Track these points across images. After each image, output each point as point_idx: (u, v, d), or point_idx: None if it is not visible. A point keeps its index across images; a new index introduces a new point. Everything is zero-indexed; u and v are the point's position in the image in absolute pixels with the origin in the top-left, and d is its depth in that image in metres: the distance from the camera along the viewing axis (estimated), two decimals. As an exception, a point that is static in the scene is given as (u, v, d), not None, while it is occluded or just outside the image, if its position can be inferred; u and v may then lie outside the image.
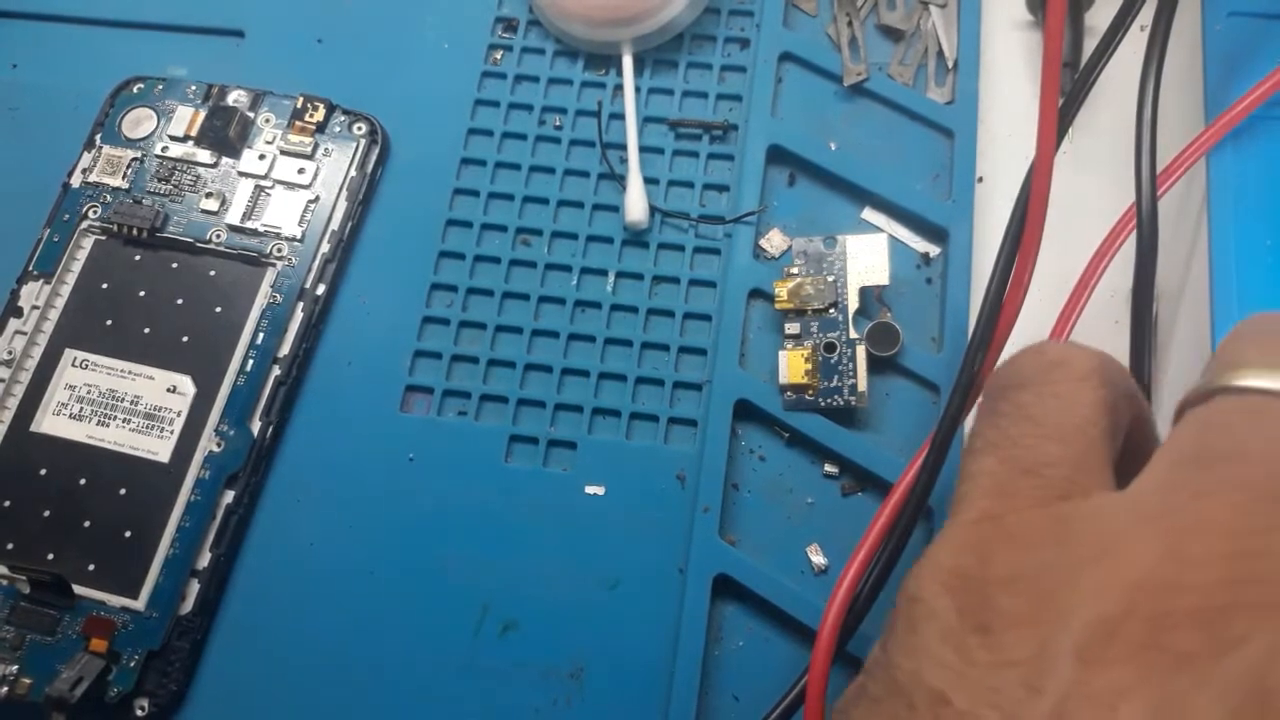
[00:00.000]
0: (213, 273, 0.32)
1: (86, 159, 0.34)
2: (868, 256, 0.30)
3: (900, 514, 0.24)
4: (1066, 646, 0.14)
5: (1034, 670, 0.14)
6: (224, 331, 0.31)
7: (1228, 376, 0.17)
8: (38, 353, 0.31)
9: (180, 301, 0.32)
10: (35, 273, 0.32)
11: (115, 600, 0.28)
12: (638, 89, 0.33)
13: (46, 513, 0.29)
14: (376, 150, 0.33)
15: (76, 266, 0.32)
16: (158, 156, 0.33)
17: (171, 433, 0.30)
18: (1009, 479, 0.17)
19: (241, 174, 0.33)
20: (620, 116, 0.33)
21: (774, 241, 0.32)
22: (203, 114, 0.33)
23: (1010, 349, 0.25)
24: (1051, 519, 0.16)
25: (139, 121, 0.34)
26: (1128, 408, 0.19)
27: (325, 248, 0.32)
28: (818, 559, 0.28)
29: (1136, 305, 0.27)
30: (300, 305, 0.31)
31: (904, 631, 0.16)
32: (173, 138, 0.34)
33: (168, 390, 0.30)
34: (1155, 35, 0.29)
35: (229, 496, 0.29)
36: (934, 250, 0.31)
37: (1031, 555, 0.16)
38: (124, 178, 0.33)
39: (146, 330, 0.31)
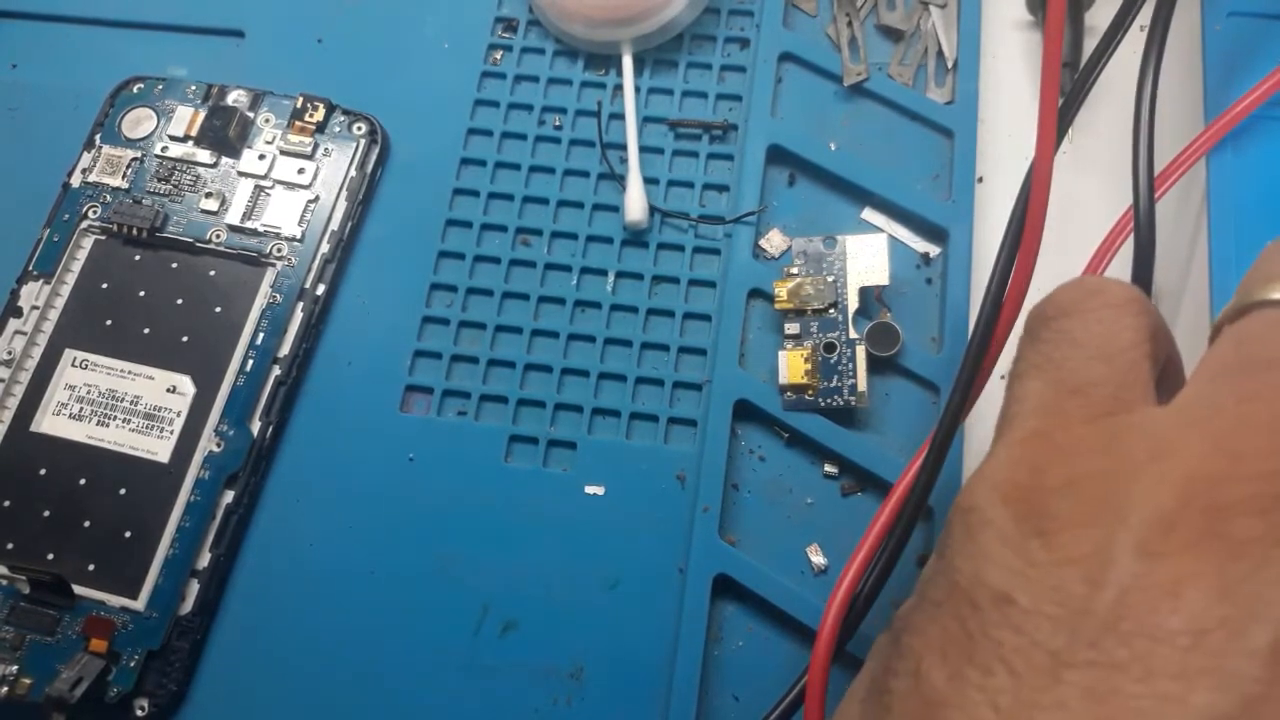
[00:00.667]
0: (213, 273, 0.32)
1: (86, 159, 0.34)
2: (867, 256, 0.30)
3: (900, 514, 0.24)
4: (1126, 542, 0.15)
5: (1094, 566, 0.15)
6: (224, 331, 0.31)
7: (1262, 291, 0.18)
8: (38, 353, 0.31)
9: (180, 301, 0.32)
10: (35, 273, 0.32)
11: (115, 600, 0.28)
12: (638, 89, 0.33)
13: (46, 513, 0.29)
14: (376, 150, 0.33)
15: (76, 266, 0.32)
16: (158, 156, 0.33)
17: (171, 433, 0.30)
18: (1056, 399, 0.18)
19: (241, 174, 0.33)
20: (620, 116, 0.33)
21: (774, 241, 0.32)
22: (203, 114, 0.33)
23: (1010, 348, 0.26)
24: (1101, 432, 0.17)
25: (139, 121, 0.34)
26: (1165, 340, 0.19)
27: (325, 248, 0.32)
28: (818, 559, 0.28)
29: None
30: (300, 305, 0.31)
31: (961, 539, 0.17)
32: (173, 138, 0.34)
33: (168, 390, 0.30)
34: (1153, 36, 0.29)
35: (229, 496, 0.29)
36: (934, 250, 0.31)
37: (1084, 464, 0.16)
38: (124, 178, 0.33)
39: (146, 330, 0.31)
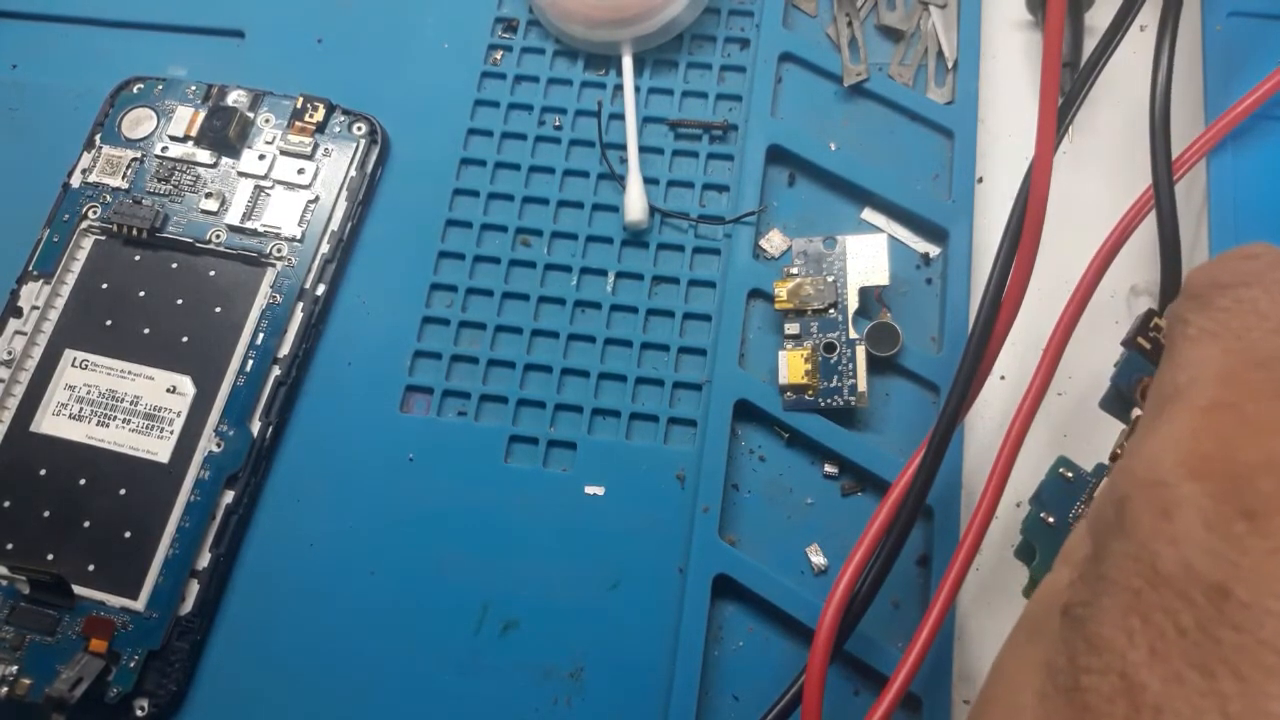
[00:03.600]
0: (213, 273, 0.32)
1: (86, 159, 0.34)
2: (867, 256, 0.30)
3: (898, 514, 0.24)
4: None
5: None
6: (224, 331, 0.31)
7: None
8: (38, 353, 0.31)
9: (180, 301, 0.32)
10: (35, 273, 0.32)
11: (115, 600, 0.28)
12: (637, 89, 0.33)
13: (46, 513, 0.29)
14: (376, 150, 0.33)
15: (76, 266, 0.32)
16: (158, 156, 0.33)
17: (171, 433, 0.30)
18: (1240, 369, 0.17)
19: (241, 174, 0.33)
20: (620, 116, 0.33)
21: (774, 241, 0.32)
22: (203, 114, 0.33)
23: (1010, 348, 0.26)
24: None
25: (139, 121, 0.34)
26: None
27: (325, 248, 0.32)
28: (817, 559, 0.28)
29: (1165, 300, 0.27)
30: (300, 305, 0.31)
31: (1155, 518, 0.15)
32: (173, 138, 0.34)
33: (168, 390, 0.30)
34: (1165, 22, 0.29)
35: (229, 496, 0.29)
36: (934, 250, 0.31)
37: None
38: (124, 178, 0.33)
39: (146, 330, 0.31)
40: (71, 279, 0.32)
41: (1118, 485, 0.16)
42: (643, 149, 0.33)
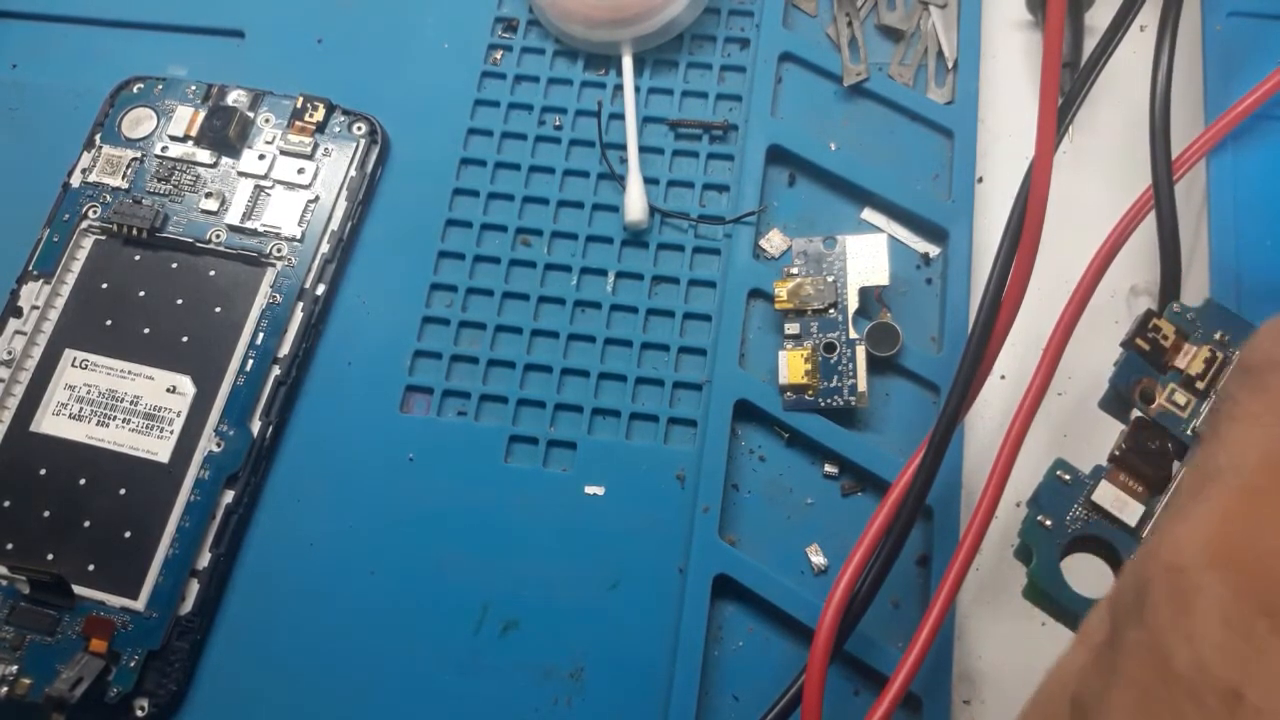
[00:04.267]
0: (213, 273, 0.32)
1: (86, 159, 0.34)
2: (867, 256, 0.30)
3: (897, 514, 0.24)
4: None
5: None
6: (224, 331, 0.31)
7: None
8: (38, 353, 0.31)
9: (180, 301, 0.32)
10: (35, 273, 0.32)
11: (115, 600, 0.28)
12: (637, 89, 0.33)
13: (46, 513, 0.29)
14: (376, 150, 0.33)
15: (76, 266, 0.32)
16: (158, 156, 0.33)
17: (171, 433, 0.30)
18: None
19: (241, 174, 0.33)
20: (620, 116, 0.33)
21: (774, 241, 0.32)
22: (203, 114, 0.33)
23: (1010, 348, 0.26)
24: None
25: (139, 121, 0.34)
26: None
27: (325, 248, 0.32)
28: (817, 559, 0.28)
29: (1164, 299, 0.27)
30: (300, 305, 0.31)
31: (1173, 611, 0.15)
32: (173, 138, 0.34)
33: (167, 390, 0.30)
34: (1165, 21, 0.29)
35: (229, 496, 0.29)
36: (934, 250, 0.31)
37: None
38: (124, 178, 0.33)
39: (146, 330, 0.31)
40: (71, 279, 0.32)
41: (1142, 567, 0.16)
42: (643, 149, 0.33)
